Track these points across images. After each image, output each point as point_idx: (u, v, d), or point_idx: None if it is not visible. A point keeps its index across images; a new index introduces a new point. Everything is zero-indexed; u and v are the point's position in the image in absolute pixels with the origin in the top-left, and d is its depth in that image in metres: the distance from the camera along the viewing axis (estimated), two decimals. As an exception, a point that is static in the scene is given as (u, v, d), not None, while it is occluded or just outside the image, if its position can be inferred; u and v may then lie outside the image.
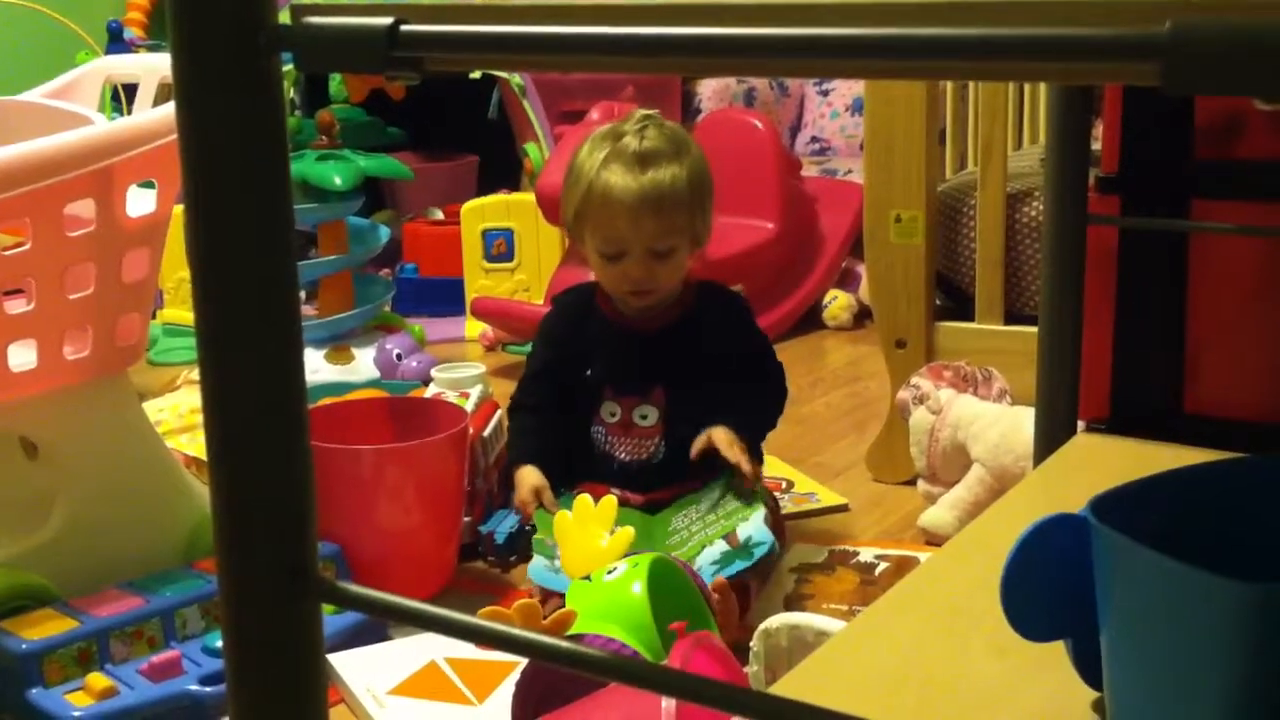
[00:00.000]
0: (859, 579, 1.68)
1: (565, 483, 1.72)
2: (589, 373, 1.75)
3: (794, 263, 3.05)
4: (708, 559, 1.56)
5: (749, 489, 1.65)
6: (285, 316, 0.47)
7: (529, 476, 1.70)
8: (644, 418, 1.73)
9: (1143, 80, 0.31)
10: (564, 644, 0.45)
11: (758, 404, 1.76)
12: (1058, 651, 0.77)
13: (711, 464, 1.71)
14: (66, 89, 1.85)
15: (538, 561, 1.59)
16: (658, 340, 1.73)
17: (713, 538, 1.60)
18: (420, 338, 2.75)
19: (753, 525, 1.59)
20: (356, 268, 2.75)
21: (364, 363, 2.61)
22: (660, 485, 1.72)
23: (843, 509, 1.96)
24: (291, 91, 3.22)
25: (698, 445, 1.65)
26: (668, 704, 1.09)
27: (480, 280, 3.01)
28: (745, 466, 1.63)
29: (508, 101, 3.18)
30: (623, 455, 1.74)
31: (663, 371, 1.73)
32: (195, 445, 2.00)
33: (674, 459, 1.73)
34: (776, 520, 1.67)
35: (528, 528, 1.71)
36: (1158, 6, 0.31)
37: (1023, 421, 1.70)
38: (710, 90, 3.95)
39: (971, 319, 2.03)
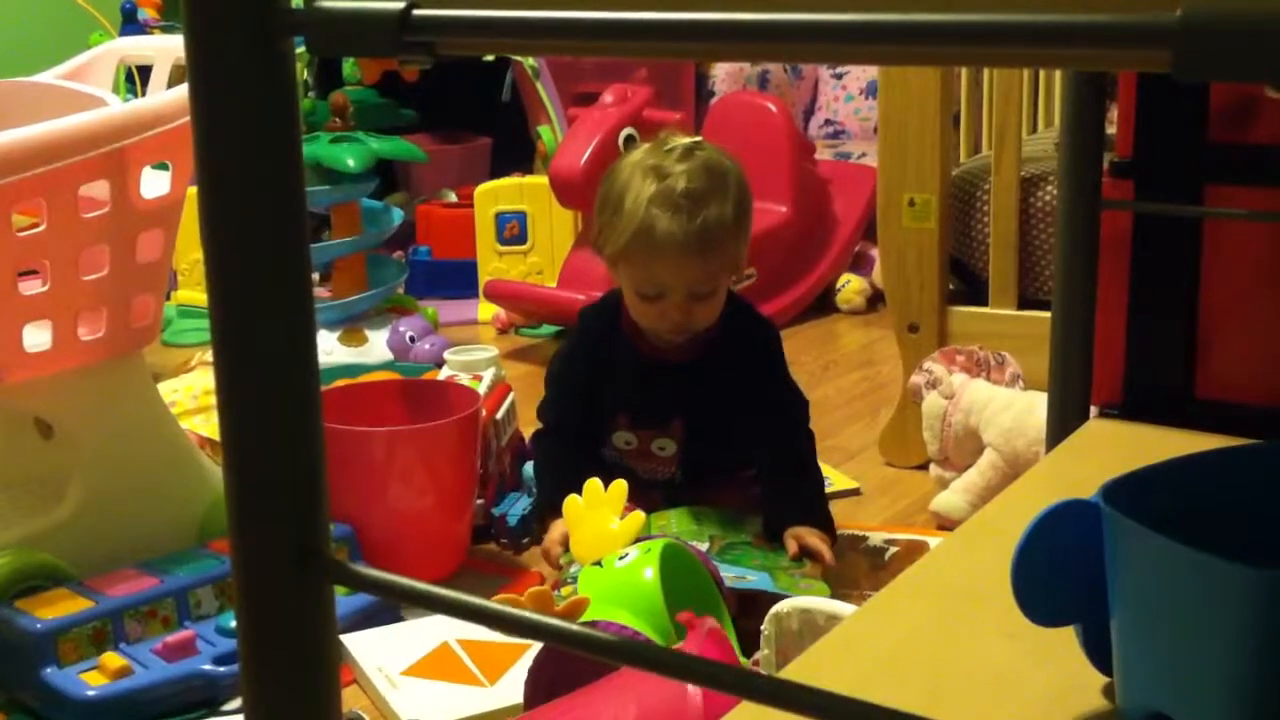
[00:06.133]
0: (869, 564, 1.68)
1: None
2: (606, 395, 1.69)
3: (807, 246, 3.05)
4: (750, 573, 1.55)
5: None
6: (298, 298, 0.47)
7: (560, 526, 1.62)
8: (662, 449, 1.69)
9: (1153, 67, 0.31)
10: (574, 628, 0.45)
11: (814, 477, 1.70)
12: (1068, 636, 0.78)
13: (735, 487, 1.70)
14: (80, 70, 1.85)
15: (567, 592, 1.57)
16: (682, 374, 1.67)
17: (771, 569, 1.57)
18: (433, 320, 2.75)
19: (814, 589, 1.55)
20: (370, 250, 2.76)
21: (377, 345, 2.62)
22: (681, 496, 1.70)
23: (854, 493, 1.96)
24: (305, 73, 3.23)
25: (791, 551, 1.58)
26: (694, 690, 1.09)
27: (493, 263, 3.01)
28: (829, 565, 1.59)
29: (521, 84, 3.18)
30: (641, 475, 1.71)
31: (684, 406, 1.68)
32: (209, 426, 2.01)
33: (692, 482, 1.70)
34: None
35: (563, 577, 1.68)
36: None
37: (1035, 406, 1.70)
38: (724, 73, 3.94)
39: (985, 303, 2.02)
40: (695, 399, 1.67)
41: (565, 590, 1.53)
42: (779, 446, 1.67)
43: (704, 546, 1.56)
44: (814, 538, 1.59)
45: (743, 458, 1.71)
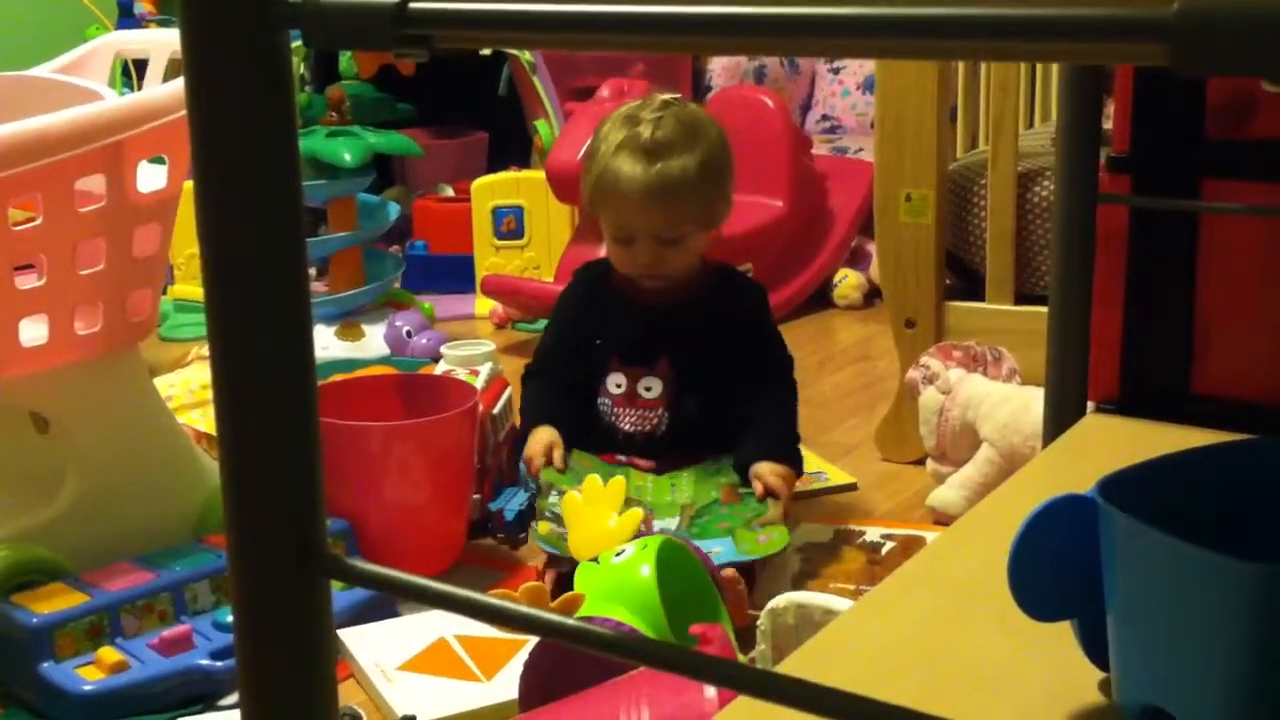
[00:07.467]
0: (865, 558, 1.68)
1: (576, 445, 1.73)
2: (598, 342, 1.77)
3: (804, 241, 3.04)
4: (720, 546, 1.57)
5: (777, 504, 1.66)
6: (294, 293, 0.47)
7: (543, 434, 1.72)
8: (648, 389, 1.74)
9: (1151, 61, 0.31)
10: (571, 622, 0.45)
11: (786, 417, 1.77)
12: (1065, 631, 0.78)
13: (721, 438, 1.72)
14: (77, 64, 1.85)
15: (543, 528, 1.60)
16: (667, 314, 1.75)
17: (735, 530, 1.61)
18: (430, 315, 2.75)
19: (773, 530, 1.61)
20: (366, 244, 2.75)
21: (374, 339, 2.61)
22: (667, 456, 1.74)
23: (851, 488, 1.96)
24: (301, 67, 3.22)
25: (758, 492, 1.65)
26: (710, 693, 1.09)
27: (490, 257, 3.01)
28: (786, 500, 1.66)
29: (518, 78, 3.17)
30: (627, 427, 1.75)
31: (669, 344, 1.74)
32: (206, 421, 2.00)
33: (678, 431, 1.74)
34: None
35: (532, 486, 1.71)
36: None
37: (1032, 401, 1.70)
38: (721, 67, 3.93)
39: (981, 298, 2.02)
40: (679, 338, 1.75)
41: (545, 503, 1.62)
42: (757, 390, 1.74)
43: (675, 520, 1.61)
44: (774, 477, 1.66)
45: (726, 408, 1.75)
